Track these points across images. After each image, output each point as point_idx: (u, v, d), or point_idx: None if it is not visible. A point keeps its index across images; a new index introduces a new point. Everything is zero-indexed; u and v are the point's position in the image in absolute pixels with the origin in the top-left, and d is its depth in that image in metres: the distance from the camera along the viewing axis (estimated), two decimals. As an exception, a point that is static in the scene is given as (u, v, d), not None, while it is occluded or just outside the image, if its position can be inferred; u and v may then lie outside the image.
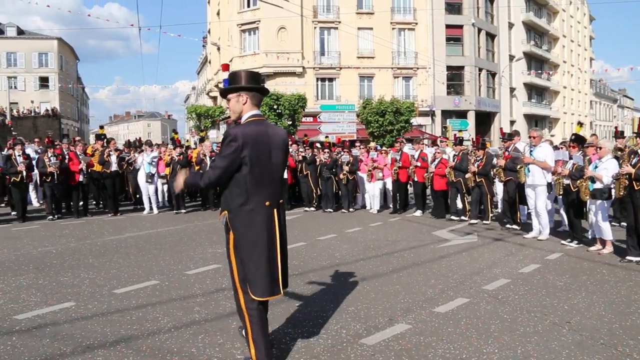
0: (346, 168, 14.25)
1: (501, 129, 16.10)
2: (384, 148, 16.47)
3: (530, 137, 10.39)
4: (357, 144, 17.23)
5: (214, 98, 50.73)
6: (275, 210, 3.88)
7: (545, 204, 9.99)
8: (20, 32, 65.44)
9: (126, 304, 5.81)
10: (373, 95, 37.19)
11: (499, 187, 12.45)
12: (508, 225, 11.14)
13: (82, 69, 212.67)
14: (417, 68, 41.27)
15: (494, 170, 11.48)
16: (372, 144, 17.73)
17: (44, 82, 64.41)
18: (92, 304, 5.81)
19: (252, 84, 3.99)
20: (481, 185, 11.77)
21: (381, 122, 32.34)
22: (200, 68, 68.04)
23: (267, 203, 3.83)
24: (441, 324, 5.10)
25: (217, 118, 43.57)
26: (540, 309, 5.55)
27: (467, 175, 12.01)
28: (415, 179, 13.55)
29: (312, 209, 14.87)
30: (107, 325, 5.07)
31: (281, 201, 3.97)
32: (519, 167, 10.11)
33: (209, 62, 53.24)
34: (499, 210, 12.70)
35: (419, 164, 13.37)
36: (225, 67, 3.92)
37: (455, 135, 17.33)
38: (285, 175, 14.88)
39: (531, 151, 9.92)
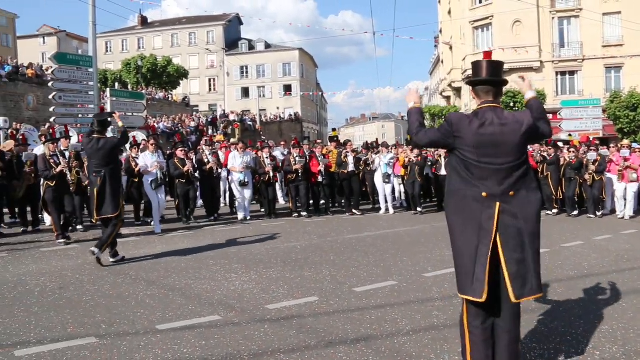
0: (592, 168, 13.05)
1: None
2: (638, 146, 14.78)
3: None
4: (612, 144, 15.69)
5: (447, 98, 50.35)
6: (497, 203, 3.53)
7: None
8: (268, 46, 72.31)
9: (366, 302, 5.91)
10: (622, 88, 33.63)
11: None
12: None
13: (320, 75, 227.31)
14: (679, 54, 36.28)
15: None
16: (625, 142, 16.01)
17: (287, 89, 70.48)
18: (333, 300, 6.00)
19: (474, 76, 3.86)
20: None
21: (632, 117, 29.18)
22: (433, 68, 68.03)
23: (484, 194, 3.55)
24: None
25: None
26: None
27: None
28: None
29: (554, 212, 13.89)
30: (348, 323, 5.18)
31: (512, 193, 3.54)
32: None
33: (442, 62, 52.99)
34: None
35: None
36: (487, 54, 3.63)
37: None
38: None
39: None
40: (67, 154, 10.79)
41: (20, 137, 13.88)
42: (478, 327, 3.60)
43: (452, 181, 3.73)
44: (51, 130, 12.38)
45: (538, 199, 3.67)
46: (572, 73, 37.57)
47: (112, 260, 8.15)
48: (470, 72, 37.91)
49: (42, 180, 10.22)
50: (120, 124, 9.10)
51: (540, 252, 3.63)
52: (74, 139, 13.47)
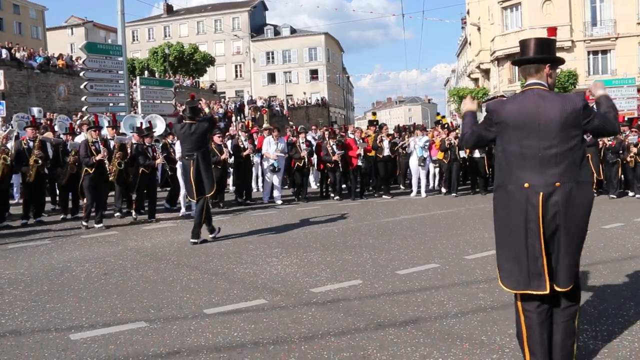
0: (634, 150, 12.80)
1: None
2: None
3: None
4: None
5: (475, 80, 49.70)
6: (540, 194, 3.33)
7: None
8: (293, 31, 72.27)
9: (410, 285, 5.89)
10: (658, 66, 32.86)
11: None
12: None
13: (346, 59, 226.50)
14: None
15: None
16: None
17: (313, 74, 70.38)
18: (377, 283, 5.99)
19: (520, 55, 3.62)
20: None
21: (670, 96, 28.44)
22: (460, 50, 67.13)
23: (526, 185, 3.36)
24: None
25: (479, 100, 42.67)
26: None
27: None
28: None
29: (595, 194, 13.63)
30: (395, 305, 5.17)
31: (557, 184, 3.31)
32: None
33: (469, 44, 52.23)
34: None
35: None
36: (552, 31, 3.09)
37: None
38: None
39: None
40: (112, 143, 10.95)
41: (68, 125, 14.01)
42: (533, 310, 3.47)
43: (498, 176, 3.59)
44: (94, 118, 12.51)
45: (588, 193, 3.46)
46: (604, 52, 36.72)
47: (210, 236, 8.65)
48: (498, 53, 37.47)
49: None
50: (207, 109, 9.48)
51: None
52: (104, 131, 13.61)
